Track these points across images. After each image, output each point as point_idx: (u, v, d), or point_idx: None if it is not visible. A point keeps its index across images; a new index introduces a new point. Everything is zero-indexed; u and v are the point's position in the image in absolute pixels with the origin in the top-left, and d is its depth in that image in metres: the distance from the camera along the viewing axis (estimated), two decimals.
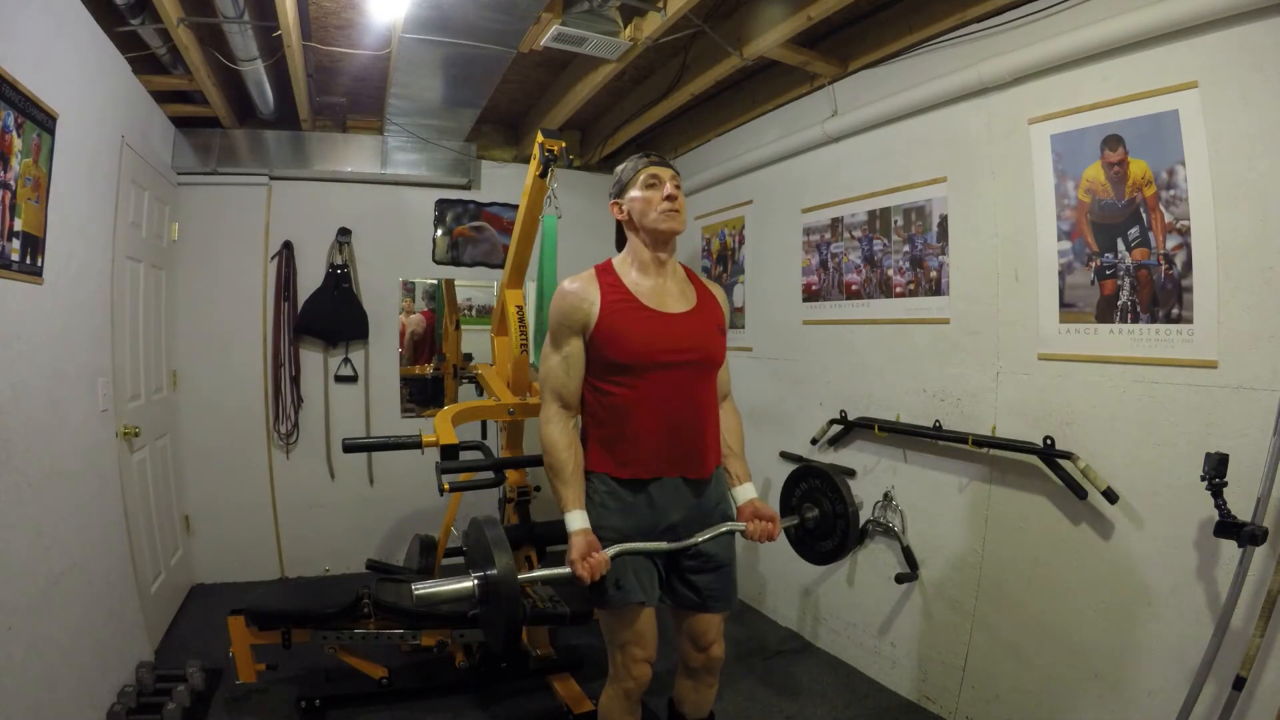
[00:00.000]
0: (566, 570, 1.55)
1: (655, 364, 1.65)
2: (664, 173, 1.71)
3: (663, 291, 1.72)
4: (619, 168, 1.78)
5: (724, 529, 1.72)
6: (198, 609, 3.29)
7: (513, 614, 1.51)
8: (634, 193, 1.71)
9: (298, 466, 3.82)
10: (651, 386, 1.65)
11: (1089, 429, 2.00)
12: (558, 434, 1.67)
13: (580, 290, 1.67)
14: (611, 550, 1.58)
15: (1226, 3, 1.65)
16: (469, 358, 3.77)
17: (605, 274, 1.72)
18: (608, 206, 1.81)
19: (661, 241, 1.72)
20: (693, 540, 1.67)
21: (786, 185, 3.22)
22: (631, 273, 1.73)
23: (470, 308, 4.13)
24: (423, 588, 1.46)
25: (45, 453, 1.98)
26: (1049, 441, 2.05)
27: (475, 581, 1.51)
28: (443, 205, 4.06)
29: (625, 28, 2.57)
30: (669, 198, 1.68)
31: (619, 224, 1.79)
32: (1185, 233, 1.78)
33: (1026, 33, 2.14)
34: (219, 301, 3.63)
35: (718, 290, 1.85)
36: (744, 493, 1.82)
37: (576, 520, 1.60)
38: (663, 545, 1.65)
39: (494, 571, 1.47)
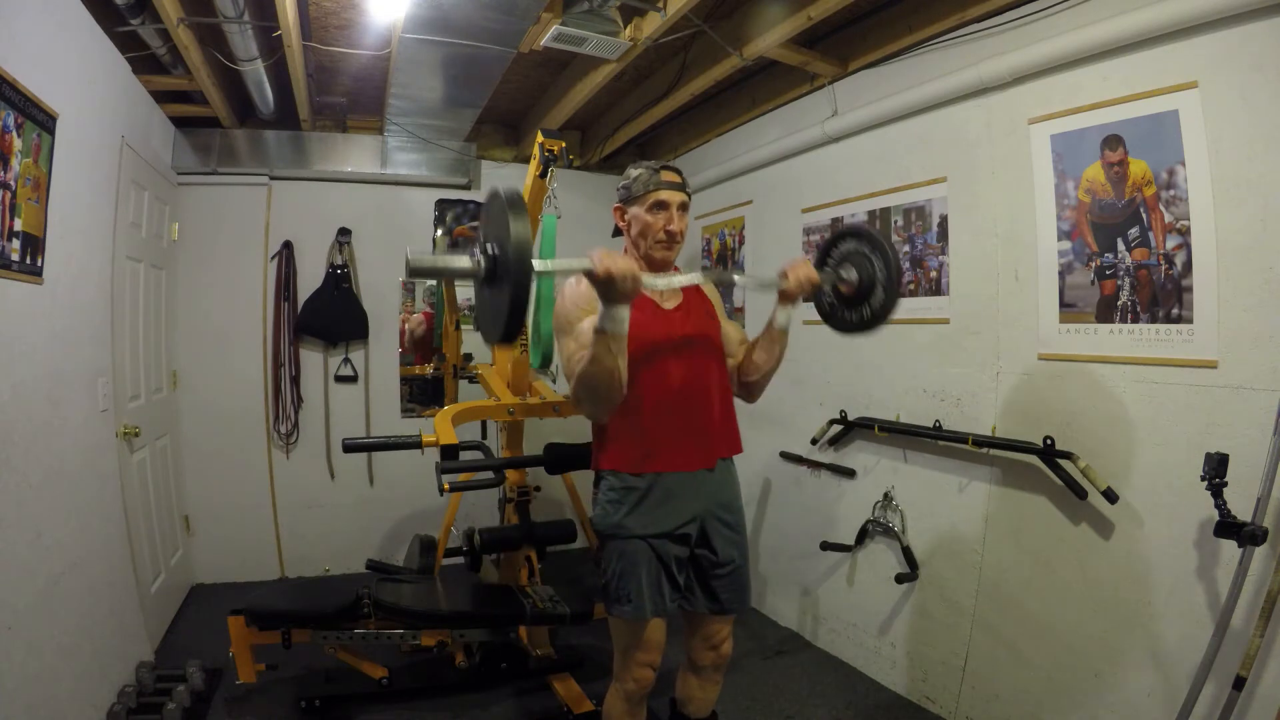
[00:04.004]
0: (585, 262, 1.42)
1: (662, 356, 1.67)
2: (673, 199, 1.69)
3: (658, 292, 1.74)
4: (632, 171, 1.74)
5: (766, 281, 1.70)
6: (198, 609, 3.29)
7: (520, 290, 1.30)
8: (637, 210, 1.71)
9: (298, 466, 3.82)
10: (660, 378, 1.67)
11: (1089, 429, 2.00)
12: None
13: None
14: (645, 278, 1.46)
15: (1226, 3, 1.65)
16: (469, 358, 3.76)
17: None
18: (608, 207, 1.81)
19: (655, 264, 1.74)
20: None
21: (786, 185, 3.22)
22: None
23: (470, 308, 4.12)
24: (418, 258, 1.30)
25: (45, 453, 1.98)
26: (1049, 441, 2.05)
27: (480, 258, 1.37)
28: (443, 205, 4.06)
29: (625, 28, 2.57)
30: (669, 233, 1.69)
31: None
32: (1185, 233, 1.78)
33: (1026, 33, 2.14)
34: (219, 301, 3.62)
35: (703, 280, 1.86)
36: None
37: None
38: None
39: (509, 246, 1.28)
